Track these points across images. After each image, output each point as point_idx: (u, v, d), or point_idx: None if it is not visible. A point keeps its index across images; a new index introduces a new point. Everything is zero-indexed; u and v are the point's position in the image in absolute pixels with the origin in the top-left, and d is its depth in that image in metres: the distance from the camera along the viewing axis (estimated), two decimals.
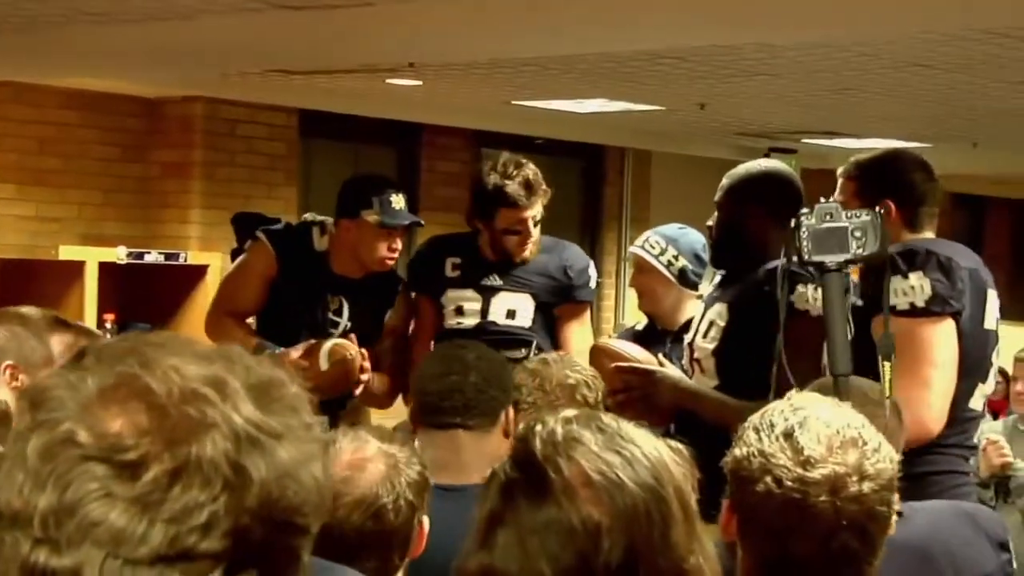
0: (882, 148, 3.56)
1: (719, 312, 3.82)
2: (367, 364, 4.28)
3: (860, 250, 2.83)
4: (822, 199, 2.95)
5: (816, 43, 5.65)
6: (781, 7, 4.73)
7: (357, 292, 4.45)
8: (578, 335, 4.38)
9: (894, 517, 1.95)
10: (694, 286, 4.36)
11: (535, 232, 4.34)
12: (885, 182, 3.41)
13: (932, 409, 3.13)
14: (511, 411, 3.19)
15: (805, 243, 2.83)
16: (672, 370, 3.89)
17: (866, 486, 1.90)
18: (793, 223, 2.88)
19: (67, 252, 6.57)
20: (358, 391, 4.34)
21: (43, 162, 7.33)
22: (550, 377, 3.40)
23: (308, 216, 4.68)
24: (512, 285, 4.35)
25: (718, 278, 4.02)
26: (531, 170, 4.32)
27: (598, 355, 3.92)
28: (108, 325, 6.29)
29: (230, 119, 7.75)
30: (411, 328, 4.54)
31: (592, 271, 4.52)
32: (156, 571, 0.92)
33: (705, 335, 3.84)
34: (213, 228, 7.42)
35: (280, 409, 1.00)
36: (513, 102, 7.58)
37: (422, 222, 4.55)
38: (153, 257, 6.76)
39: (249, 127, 7.78)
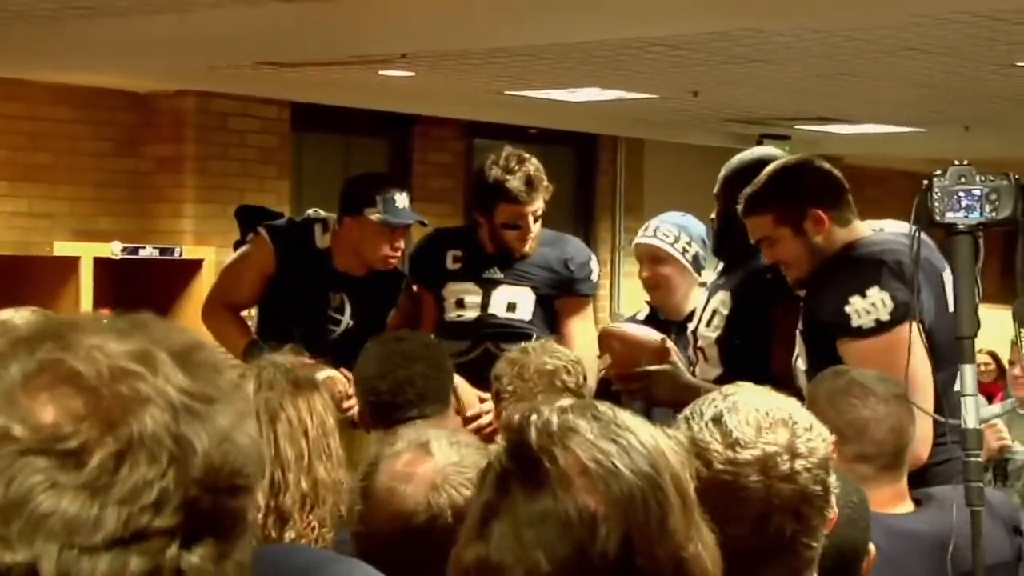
0: (763, 173, 3.46)
1: (722, 300, 3.81)
2: (351, 391, 4.19)
3: (993, 213, 2.79)
4: (956, 161, 2.91)
5: (809, 29, 5.66)
6: None
7: (360, 290, 4.45)
8: (580, 329, 4.37)
9: (832, 500, 1.92)
10: (700, 272, 4.36)
11: (535, 228, 4.33)
12: (800, 196, 3.36)
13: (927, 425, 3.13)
14: (459, 390, 3.28)
15: (937, 204, 2.79)
16: (675, 359, 3.89)
17: (798, 464, 1.88)
18: (924, 184, 2.85)
19: (61, 248, 6.59)
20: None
21: (35, 157, 7.32)
22: (528, 365, 3.42)
23: (311, 212, 4.67)
24: (513, 278, 4.35)
25: (720, 266, 4.02)
26: (533, 165, 4.31)
27: (607, 339, 3.90)
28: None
29: (222, 112, 7.74)
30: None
31: (594, 265, 4.50)
32: (113, 555, 0.92)
33: (708, 323, 3.83)
34: (207, 222, 7.43)
35: (206, 373, 0.99)
36: (506, 92, 7.58)
37: (426, 221, 4.55)
38: (148, 252, 6.80)
39: (241, 120, 7.77)
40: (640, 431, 1.46)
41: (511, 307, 4.34)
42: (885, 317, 3.13)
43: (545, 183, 4.31)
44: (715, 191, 3.90)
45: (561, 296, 4.38)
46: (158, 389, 0.95)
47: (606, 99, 7.79)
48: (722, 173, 3.90)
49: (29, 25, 5.73)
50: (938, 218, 2.81)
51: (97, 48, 6.06)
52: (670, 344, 3.88)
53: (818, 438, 1.93)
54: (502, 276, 4.35)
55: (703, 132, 9.48)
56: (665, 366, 3.79)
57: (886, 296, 3.14)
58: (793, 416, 1.93)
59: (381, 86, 7.28)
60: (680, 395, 3.71)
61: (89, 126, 7.50)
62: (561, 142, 9.30)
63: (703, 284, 4.19)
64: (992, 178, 2.81)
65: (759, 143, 8.89)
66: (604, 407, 1.48)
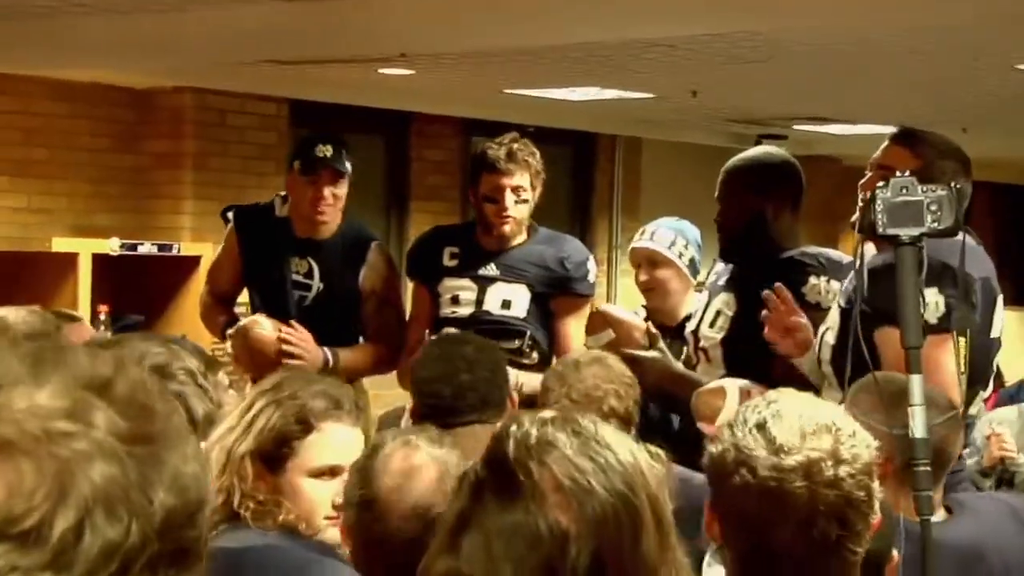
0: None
1: (726, 301, 3.81)
2: (292, 339, 4.28)
3: (935, 224, 2.80)
4: (898, 172, 2.93)
5: (809, 31, 5.67)
6: None
7: (326, 253, 4.47)
8: (575, 331, 4.35)
9: (876, 505, 1.93)
10: (695, 277, 4.37)
11: (516, 209, 4.31)
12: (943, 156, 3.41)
13: None
14: (515, 395, 3.22)
15: (880, 216, 2.81)
16: (663, 346, 3.90)
17: (842, 470, 1.89)
18: (868, 196, 2.87)
19: (60, 244, 6.59)
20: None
21: (33, 153, 7.33)
22: (577, 385, 3.34)
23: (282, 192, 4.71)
24: (508, 275, 4.35)
25: (719, 266, 4.02)
26: (521, 144, 4.34)
27: (597, 320, 3.93)
28: (102, 317, 6.28)
29: (220, 109, 7.76)
30: (411, 329, 4.51)
31: (591, 265, 4.49)
32: None
33: (712, 324, 3.84)
34: (205, 218, 7.40)
35: (137, 404, 0.94)
36: (505, 91, 7.60)
37: (342, 169, 4.44)
38: (146, 248, 6.80)
39: (239, 117, 7.79)
40: (619, 449, 1.45)
41: (506, 304, 4.34)
42: (932, 320, 3.12)
43: (532, 164, 4.31)
44: (717, 193, 3.90)
45: (557, 295, 4.38)
46: (98, 443, 0.90)
47: (605, 98, 7.80)
48: (723, 174, 3.91)
49: (26, 22, 5.72)
50: (881, 230, 2.82)
51: (95, 45, 6.07)
52: (656, 331, 3.90)
53: (862, 444, 1.94)
54: (498, 273, 4.35)
55: (701, 132, 9.49)
56: (655, 353, 3.81)
57: (941, 300, 3.15)
58: (837, 422, 1.94)
59: (379, 84, 7.29)
60: (667, 383, 3.78)
61: (86, 121, 7.51)
62: (559, 141, 9.27)
63: (700, 285, 4.20)
64: (934, 189, 2.82)
65: (757, 143, 8.99)
66: (586, 421, 1.47)
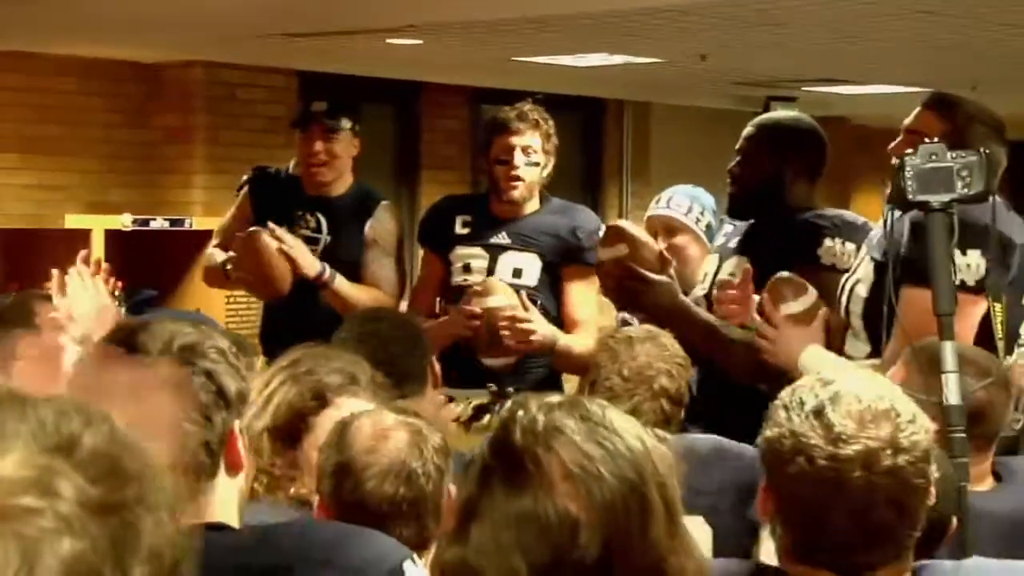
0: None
1: (738, 264, 3.81)
2: (287, 239, 4.39)
3: (965, 189, 2.79)
4: (927, 138, 2.92)
5: None
6: None
7: (335, 209, 4.56)
8: (580, 298, 4.37)
9: (933, 489, 1.92)
10: (712, 242, 4.39)
11: (527, 171, 4.31)
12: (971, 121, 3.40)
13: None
14: (436, 365, 3.23)
15: (910, 183, 2.79)
16: (672, 273, 3.89)
17: (901, 459, 1.87)
18: (897, 163, 2.86)
19: (73, 220, 6.65)
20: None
21: (44, 130, 7.36)
22: (630, 363, 3.28)
23: None
24: (519, 244, 4.36)
25: (727, 227, 4.03)
26: (532, 107, 4.36)
27: (612, 234, 3.93)
28: (115, 292, 6.35)
29: (230, 83, 7.79)
30: (416, 293, 4.59)
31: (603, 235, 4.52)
32: None
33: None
34: (216, 192, 7.45)
35: (108, 462, 0.91)
36: (513, 59, 7.61)
37: (333, 124, 4.51)
38: (159, 224, 6.85)
39: (249, 90, 7.82)
40: (627, 434, 1.44)
41: (517, 273, 4.34)
42: (971, 282, 3.12)
43: (543, 126, 4.32)
44: (744, 148, 3.90)
45: (567, 264, 4.38)
46: (66, 518, 0.88)
47: (613, 64, 7.80)
48: (757, 132, 3.91)
49: (38, 1, 5.73)
50: (911, 197, 2.81)
51: (107, 22, 6.10)
52: (669, 257, 3.88)
53: (921, 430, 1.91)
54: (509, 242, 4.36)
55: (710, 95, 9.50)
56: (665, 278, 3.79)
57: (983, 264, 3.13)
58: (896, 407, 1.91)
59: (388, 54, 7.31)
60: (672, 313, 3.74)
61: (98, 98, 7.54)
62: (567, 107, 9.19)
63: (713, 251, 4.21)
64: (963, 155, 2.81)
65: (766, 105, 8.96)
66: (594, 406, 1.46)
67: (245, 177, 4.77)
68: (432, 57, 7.51)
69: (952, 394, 2.58)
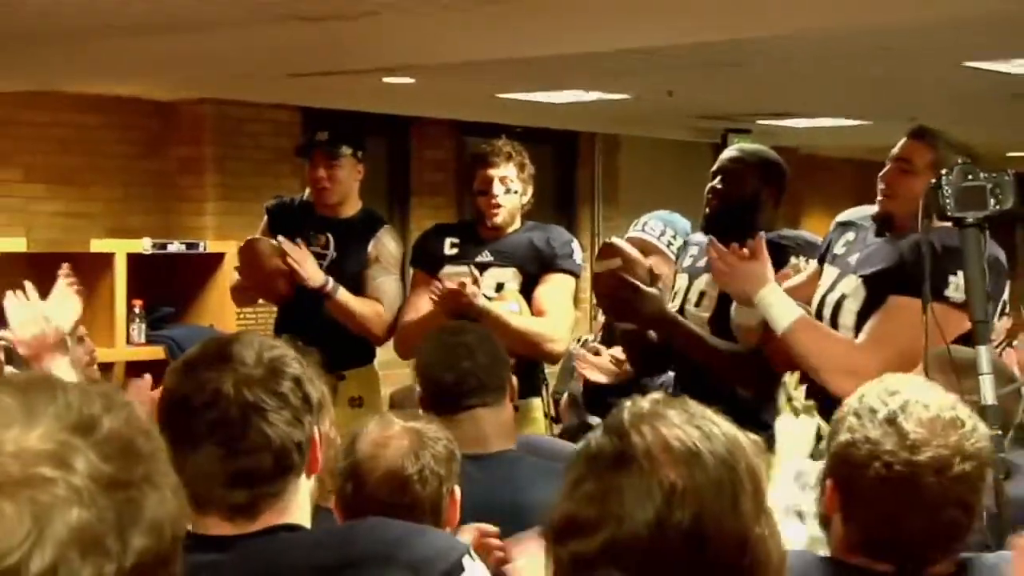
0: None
1: (709, 282, 3.95)
2: (293, 252, 4.63)
3: (998, 206, 2.84)
4: (959, 160, 2.99)
5: (779, 37, 5.66)
6: (752, 8, 4.91)
7: (342, 229, 4.81)
8: (547, 293, 4.49)
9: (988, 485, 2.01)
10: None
11: (505, 198, 4.50)
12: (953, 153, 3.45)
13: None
14: (514, 380, 3.29)
15: (948, 200, 2.84)
16: (662, 286, 4.06)
17: (968, 465, 1.95)
18: (933, 182, 2.91)
19: (97, 245, 6.69)
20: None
21: (70, 161, 7.46)
22: None
23: None
24: (500, 260, 4.54)
25: (694, 249, 4.15)
26: (506, 142, 4.59)
27: (610, 251, 4.06)
28: (137, 310, 6.58)
29: (238, 118, 7.92)
30: (408, 304, 4.71)
31: (576, 246, 4.64)
32: None
33: (697, 304, 3.98)
34: (226, 218, 7.64)
35: (121, 444, 0.95)
36: (496, 95, 7.74)
37: (333, 151, 4.78)
38: (175, 247, 6.90)
39: (255, 124, 7.96)
40: (723, 424, 1.51)
41: (499, 287, 4.50)
42: (958, 299, 3.19)
43: (515, 156, 4.53)
44: (729, 168, 4.01)
45: (545, 273, 4.53)
46: (77, 489, 0.91)
47: (588, 99, 7.90)
48: (744, 157, 4.04)
49: (61, 44, 5.86)
50: (949, 213, 2.86)
51: (125, 63, 6.21)
52: (657, 272, 4.06)
53: (983, 437, 1.99)
54: (491, 259, 4.53)
55: (674, 128, 9.56)
56: (654, 290, 3.94)
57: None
58: (959, 416, 1.98)
59: (384, 91, 7.41)
60: (660, 321, 3.91)
61: (117, 131, 7.64)
62: (545, 139, 9.40)
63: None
64: (995, 174, 2.86)
65: (724, 137, 9.16)
66: (695, 405, 1.53)
67: (266, 205, 5.08)
68: (423, 94, 7.61)
69: (988, 395, 2.64)
